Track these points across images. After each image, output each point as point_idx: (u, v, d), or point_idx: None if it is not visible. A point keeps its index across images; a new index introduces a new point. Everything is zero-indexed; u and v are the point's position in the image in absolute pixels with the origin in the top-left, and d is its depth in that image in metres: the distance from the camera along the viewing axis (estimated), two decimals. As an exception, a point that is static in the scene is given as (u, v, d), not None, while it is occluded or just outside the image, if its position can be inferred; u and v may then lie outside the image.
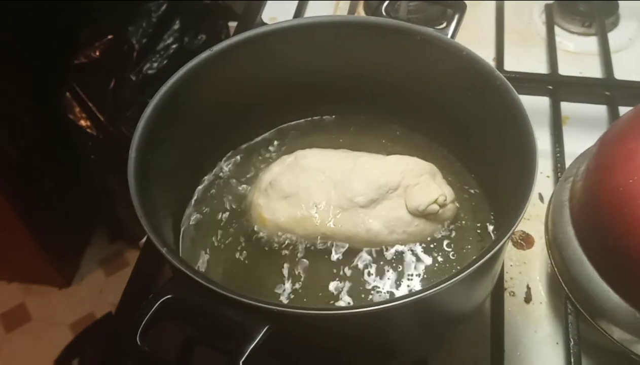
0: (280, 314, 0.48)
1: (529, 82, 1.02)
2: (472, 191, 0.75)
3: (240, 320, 0.48)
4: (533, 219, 0.86)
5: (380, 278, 0.68)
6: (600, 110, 0.99)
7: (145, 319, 0.49)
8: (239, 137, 0.81)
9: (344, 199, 0.70)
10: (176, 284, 0.51)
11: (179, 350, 0.71)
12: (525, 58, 1.09)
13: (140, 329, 0.48)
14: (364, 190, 0.70)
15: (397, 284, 0.68)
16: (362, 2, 1.21)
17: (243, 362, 0.46)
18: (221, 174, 0.79)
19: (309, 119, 0.84)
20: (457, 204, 0.73)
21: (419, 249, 0.70)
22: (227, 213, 0.75)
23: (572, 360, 0.69)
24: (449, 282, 0.50)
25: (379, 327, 0.55)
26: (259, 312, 0.48)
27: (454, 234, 0.71)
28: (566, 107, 0.99)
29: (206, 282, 0.50)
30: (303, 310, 0.51)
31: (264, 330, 0.48)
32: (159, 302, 0.50)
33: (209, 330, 0.51)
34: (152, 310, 0.49)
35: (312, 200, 0.70)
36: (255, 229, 0.72)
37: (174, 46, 1.77)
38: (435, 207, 0.70)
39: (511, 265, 0.81)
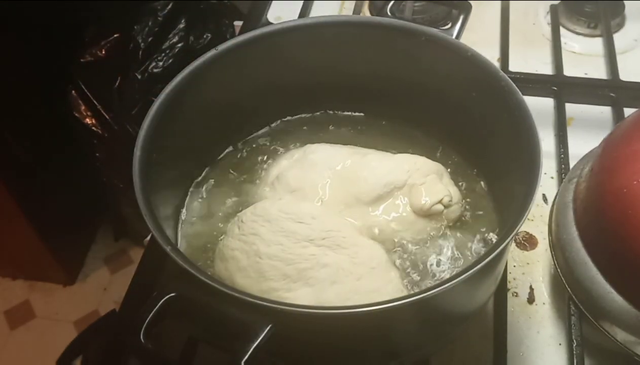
0: (283, 313, 0.49)
1: (534, 83, 1.02)
2: (476, 191, 0.75)
3: (243, 319, 0.48)
4: (537, 220, 0.86)
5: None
6: (605, 111, 0.99)
7: (149, 316, 0.49)
8: (242, 133, 0.82)
9: (350, 196, 0.70)
10: (180, 282, 0.52)
11: (183, 348, 0.71)
12: (530, 59, 1.09)
13: (143, 326, 0.48)
14: (370, 188, 0.70)
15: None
16: (367, 2, 1.21)
17: (245, 362, 0.46)
18: (224, 170, 0.79)
19: (313, 116, 0.84)
20: (463, 206, 0.73)
21: (422, 248, 0.70)
22: (230, 207, 0.75)
23: (575, 361, 0.69)
24: (452, 282, 0.50)
25: (382, 326, 0.55)
26: (262, 311, 0.49)
27: (458, 233, 0.71)
28: (571, 108, 0.99)
29: (210, 281, 0.50)
30: (306, 310, 0.51)
31: (267, 329, 0.48)
32: (162, 300, 0.50)
33: (212, 328, 0.51)
34: (156, 308, 0.49)
35: (318, 195, 0.70)
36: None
37: (180, 45, 1.78)
38: (440, 207, 0.70)
39: (514, 266, 0.81)
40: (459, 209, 0.72)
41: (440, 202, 0.70)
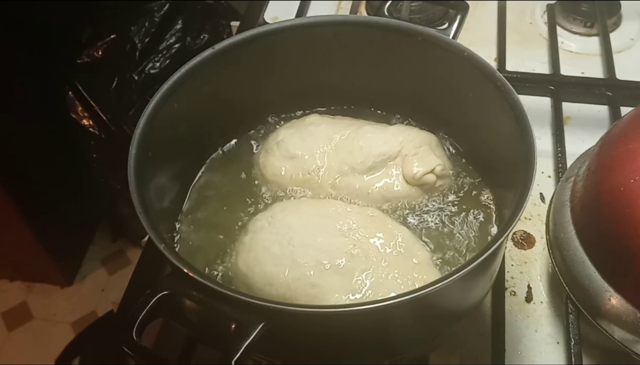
0: (275, 311, 0.49)
1: (531, 83, 1.02)
2: (474, 186, 0.75)
3: (235, 317, 0.48)
4: (534, 218, 0.86)
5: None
6: (602, 110, 0.99)
7: (142, 315, 0.49)
8: (238, 131, 0.82)
9: (345, 165, 0.73)
10: (173, 280, 0.51)
11: (181, 348, 0.71)
12: (527, 58, 1.09)
13: (136, 324, 0.48)
14: (364, 158, 0.73)
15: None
16: (364, 2, 1.21)
17: (236, 360, 0.46)
18: (221, 167, 0.79)
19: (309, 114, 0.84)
20: (452, 175, 0.75)
21: (418, 216, 0.72)
22: (229, 203, 0.75)
23: (573, 359, 0.69)
24: (447, 281, 0.50)
25: (376, 324, 0.55)
26: (254, 309, 0.49)
27: (457, 221, 0.72)
28: (568, 107, 0.99)
29: (202, 279, 0.50)
30: (299, 308, 0.51)
31: (259, 327, 0.48)
32: (155, 298, 0.50)
33: (205, 327, 0.51)
34: (149, 306, 0.49)
35: (315, 163, 0.74)
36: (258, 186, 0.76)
37: (177, 46, 1.78)
38: (432, 177, 0.72)
39: (512, 265, 0.81)
40: (450, 180, 0.75)
41: (432, 171, 0.72)
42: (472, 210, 0.72)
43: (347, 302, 0.61)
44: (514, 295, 0.78)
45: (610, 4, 1.15)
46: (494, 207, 0.72)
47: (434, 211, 0.72)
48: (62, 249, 2.03)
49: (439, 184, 0.73)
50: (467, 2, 0.76)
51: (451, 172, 0.75)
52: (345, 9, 1.21)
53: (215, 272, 0.69)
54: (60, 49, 1.71)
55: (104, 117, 1.73)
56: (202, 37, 1.82)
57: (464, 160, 0.77)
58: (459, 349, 0.73)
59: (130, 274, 0.81)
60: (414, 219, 0.71)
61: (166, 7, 1.76)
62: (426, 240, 0.69)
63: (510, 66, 1.05)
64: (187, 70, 0.69)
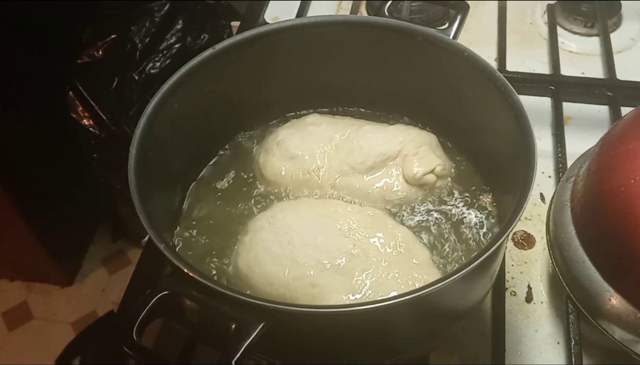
0: (275, 311, 0.49)
1: (531, 83, 1.02)
2: (474, 186, 0.75)
3: (236, 317, 0.48)
4: (534, 219, 0.86)
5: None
6: (602, 110, 0.99)
7: (142, 315, 0.49)
8: (239, 132, 0.82)
9: (345, 165, 0.73)
10: (174, 280, 0.52)
11: (181, 348, 0.71)
12: (528, 58, 1.09)
13: (136, 324, 0.48)
14: (364, 158, 0.73)
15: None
16: (364, 2, 1.21)
17: (236, 360, 0.46)
18: (221, 168, 0.79)
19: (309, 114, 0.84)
20: (452, 175, 0.75)
21: (419, 217, 0.72)
22: (230, 203, 0.75)
23: (573, 359, 0.69)
24: (447, 281, 0.50)
25: (376, 324, 0.55)
26: (254, 309, 0.49)
27: (457, 221, 0.72)
28: (568, 107, 0.99)
29: (202, 279, 0.50)
30: (299, 308, 0.51)
31: (259, 327, 0.48)
32: (155, 298, 0.50)
33: (205, 327, 0.51)
34: (149, 306, 0.49)
35: (315, 163, 0.74)
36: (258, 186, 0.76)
37: (177, 46, 1.78)
38: (432, 177, 0.72)
39: (512, 265, 0.81)
40: (449, 180, 0.75)
41: (432, 171, 0.72)
42: (472, 210, 0.72)
43: (347, 302, 0.61)
44: (514, 295, 0.78)
45: (611, 4, 1.15)
46: (494, 207, 0.72)
47: (434, 211, 0.72)
48: (62, 249, 2.03)
49: (439, 184, 0.74)
50: (468, 2, 0.76)
51: (452, 172, 0.75)
52: (345, 9, 1.21)
53: (215, 272, 0.69)
54: (60, 49, 1.71)
55: (104, 117, 1.73)
56: (202, 37, 1.82)
57: (464, 161, 0.77)
58: (459, 349, 0.73)
59: (131, 274, 0.81)
60: (414, 219, 0.71)
61: (166, 7, 1.76)
62: (426, 240, 0.69)
63: (510, 66, 1.05)
64: (187, 70, 0.69)
